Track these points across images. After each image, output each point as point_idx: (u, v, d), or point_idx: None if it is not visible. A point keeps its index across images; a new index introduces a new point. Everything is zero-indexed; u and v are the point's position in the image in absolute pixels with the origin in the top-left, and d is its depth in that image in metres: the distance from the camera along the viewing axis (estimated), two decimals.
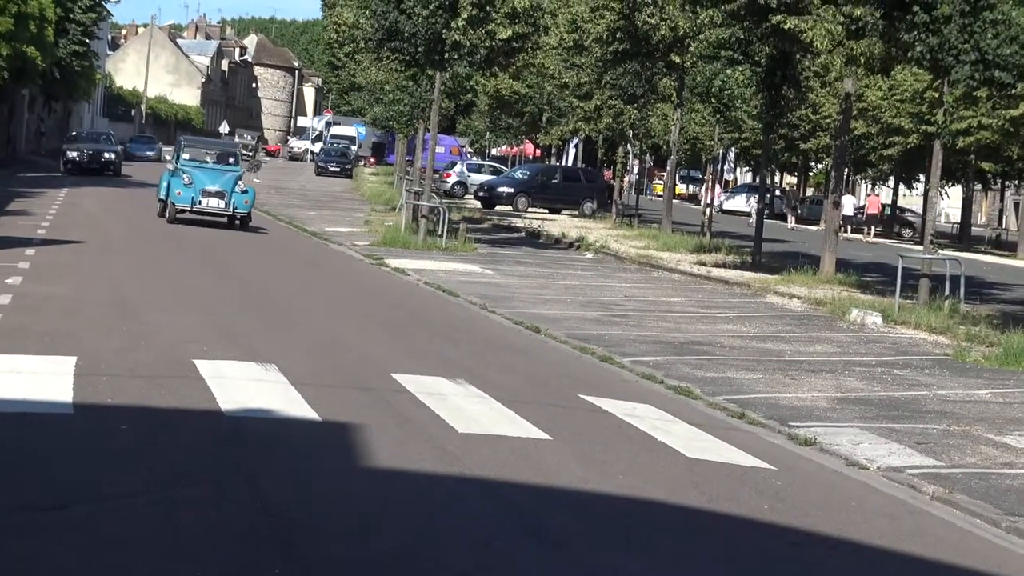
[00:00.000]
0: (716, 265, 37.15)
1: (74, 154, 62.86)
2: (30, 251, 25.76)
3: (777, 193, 78.45)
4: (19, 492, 9.13)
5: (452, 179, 77.94)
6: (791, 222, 70.78)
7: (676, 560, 9.16)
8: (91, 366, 13.74)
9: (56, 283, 21.08)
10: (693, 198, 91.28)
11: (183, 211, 37.18)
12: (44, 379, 12.94)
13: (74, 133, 70.97)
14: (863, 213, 70.00)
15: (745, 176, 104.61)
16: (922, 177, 69.64)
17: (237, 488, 9.82)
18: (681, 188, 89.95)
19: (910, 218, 77.08)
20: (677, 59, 47.95)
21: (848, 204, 69.33)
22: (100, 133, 74.42)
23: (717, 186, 65.67)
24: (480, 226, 48.90)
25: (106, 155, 63.74)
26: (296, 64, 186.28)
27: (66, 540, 8.15)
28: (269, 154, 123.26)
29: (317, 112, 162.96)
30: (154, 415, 12.00)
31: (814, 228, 66.80)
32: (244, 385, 13.60)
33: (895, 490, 12.30)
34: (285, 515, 9.24)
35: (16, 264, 23.12)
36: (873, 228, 68.32)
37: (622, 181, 63.95)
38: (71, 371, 13.37)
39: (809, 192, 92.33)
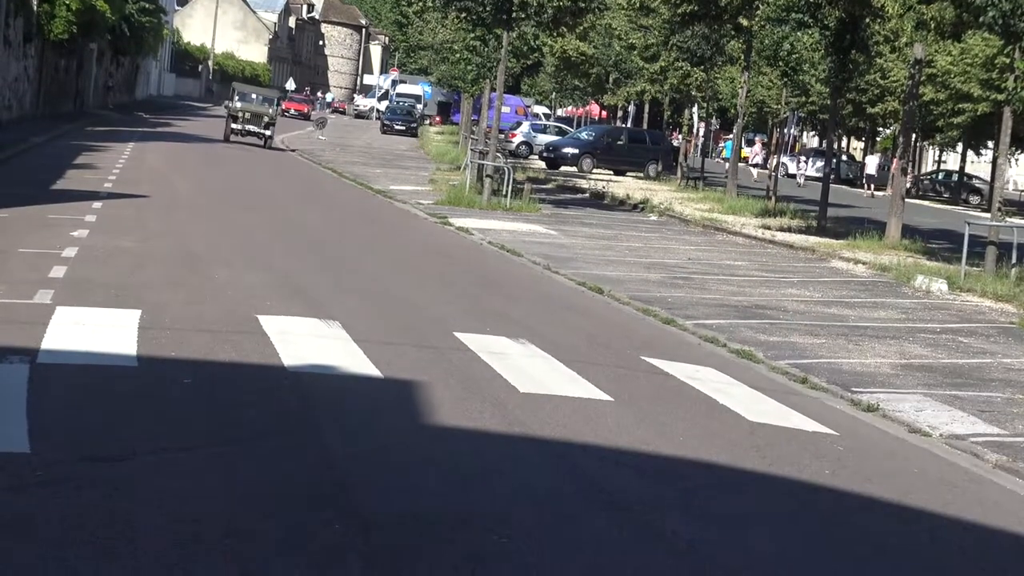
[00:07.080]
0: (781, 229, 36.94)
1: None
2: (97, 204, 25.91)
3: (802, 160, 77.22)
4: (82, 443, 9.19)
5: (517, 139, 77.83)
6: (801, 180, 70.09)
7: (734, 523, 9.14)
8: (155, 319, 13.82)
9: (122, 236, 21.21)
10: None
11: None
12: (109, 331, 13.02)
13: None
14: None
15: (812, 140, 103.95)
16: (991, 144, 69.00)
17: (298, 443, 9.86)
18: (747, 152, 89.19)
19: (978, 185, 76.44)
20: (745, 22, 47.59)
21: (872, 164, 74.68)
22: None
23: (784, 152, 65.27)
24: (544, 186, 48.82)
25: None
26: (363, 22, 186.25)
27: (128, 491, 8.20)
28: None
29: (383, 70, 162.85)
30: (217, 369, 12.07)
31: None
32: (307, 341, 13.65)
33: (957, 458, 12.23)
34: (346, 471, 9.26)
35: (83, 217, 23.28)
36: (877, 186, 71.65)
37: (689, 143, 63.55)
38: (135, 324, 13.45)
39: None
